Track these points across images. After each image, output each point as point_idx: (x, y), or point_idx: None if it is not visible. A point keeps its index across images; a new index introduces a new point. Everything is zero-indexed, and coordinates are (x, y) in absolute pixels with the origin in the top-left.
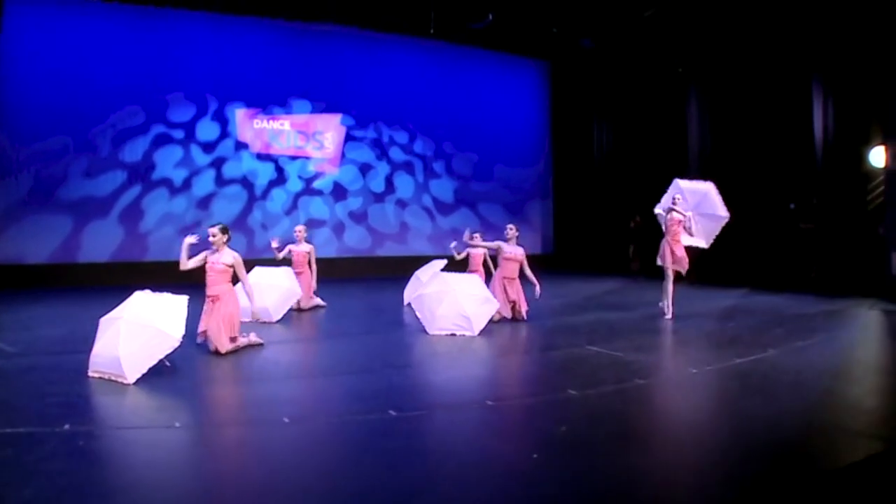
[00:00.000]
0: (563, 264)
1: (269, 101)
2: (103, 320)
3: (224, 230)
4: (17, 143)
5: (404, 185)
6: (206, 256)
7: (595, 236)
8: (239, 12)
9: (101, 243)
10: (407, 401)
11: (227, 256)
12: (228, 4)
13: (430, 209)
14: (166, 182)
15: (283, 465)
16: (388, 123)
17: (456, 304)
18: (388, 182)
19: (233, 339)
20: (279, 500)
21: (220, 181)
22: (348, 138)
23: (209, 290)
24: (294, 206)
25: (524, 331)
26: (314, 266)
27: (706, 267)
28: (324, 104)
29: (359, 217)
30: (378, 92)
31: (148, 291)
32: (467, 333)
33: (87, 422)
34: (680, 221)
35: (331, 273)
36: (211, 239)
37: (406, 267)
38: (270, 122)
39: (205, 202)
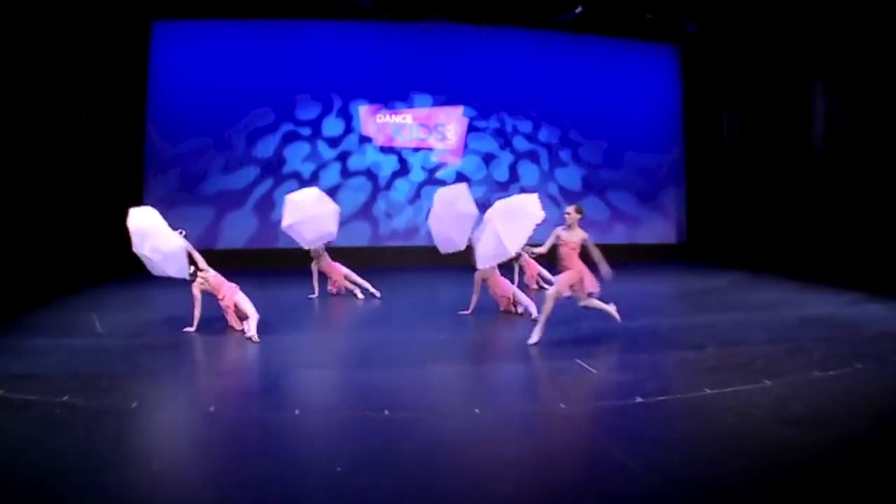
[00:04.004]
0: (695, 254)
1: (390, 96)
2: None
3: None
4: (166, 144)
5: (529, 174)
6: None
7: (727, 226)
8: (357, 18)
9: (237, 231)
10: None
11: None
12: (347, 12)
13: (556, 197)
14: (296, 175)
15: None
16: (511, 113)
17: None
18: (512, 171)
19: None
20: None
21: (346, 173)
22: (471, 129)
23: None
24: (417, 195)
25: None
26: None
27: (823, 264)
28: (444, 97)
29: (482, 206)
30: (499, 83)
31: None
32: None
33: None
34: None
35: (455, 259)
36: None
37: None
38: (393, 116)
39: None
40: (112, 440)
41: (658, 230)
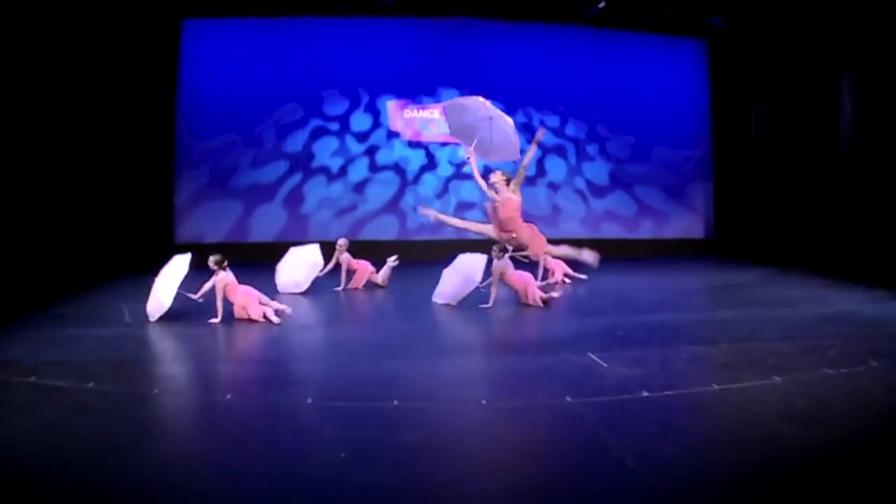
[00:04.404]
0: (723, 250)
1: (418, 91)
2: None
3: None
4: (196, 139)
5: (556, 168)
6: None
7: (755, 221)
8: (384, 14)
9: (267, 225)
10: None
11: None
12: (373, 9)
13: (584, 192)
14: (324, 170)
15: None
16: (538, 108)
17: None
18: (539, 165)
19: None
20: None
21: (374, 168)
22: None
23: None
24: (445, 189)
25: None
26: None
27: (851, 261)
28: (471, 92)
29: None
30: (526, 78)
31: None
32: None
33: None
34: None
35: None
36: None
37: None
38: (420, 111)
39: (360, 187)
40: (133, 425)
41: (685, 225)
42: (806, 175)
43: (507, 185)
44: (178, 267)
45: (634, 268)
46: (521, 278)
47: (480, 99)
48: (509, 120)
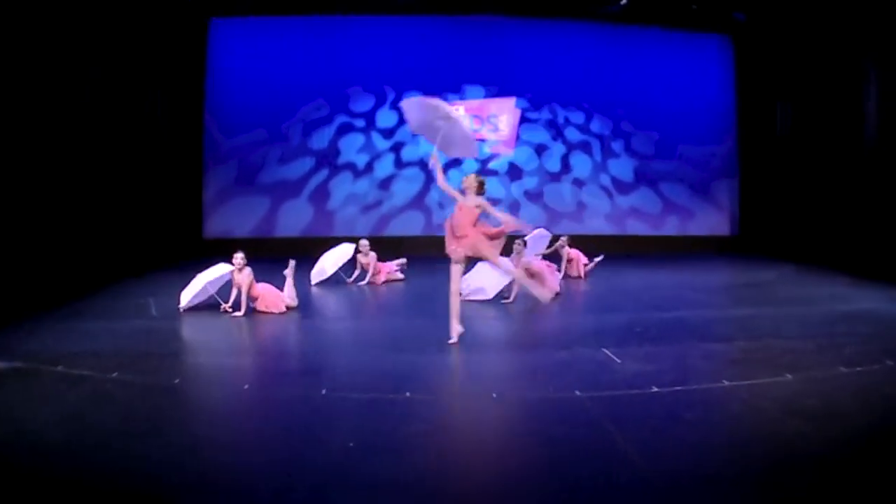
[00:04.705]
0: (749, 247)
1: (443, 88)
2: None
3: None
4: (224, 136)
5: (581, 165)
6: None
7: (781, 218)
8: (408, 12)
9: (293, 220)
10: None
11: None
12: (398, 7)
13: (609, 188)
14: (350, 166)
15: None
16: (563, 104)
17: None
18: (564, 162)
19: None
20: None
21: (399, 164)
22: (523, 120)
23: None
24: None
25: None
26: None
27: (877, 259)
28: (496, 88)
29: (534, 196)
30: (551, 74)
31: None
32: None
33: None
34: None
35: (506, 251)
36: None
37: (580, 244)
38: None
39: (385, 183)
40: (154, 413)
41: (711, 222)
42: (830, 172)
43: (478, 191)
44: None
45: (658, 264)
46: (542, 266)
47: (439, 101)
48: (467, 122)
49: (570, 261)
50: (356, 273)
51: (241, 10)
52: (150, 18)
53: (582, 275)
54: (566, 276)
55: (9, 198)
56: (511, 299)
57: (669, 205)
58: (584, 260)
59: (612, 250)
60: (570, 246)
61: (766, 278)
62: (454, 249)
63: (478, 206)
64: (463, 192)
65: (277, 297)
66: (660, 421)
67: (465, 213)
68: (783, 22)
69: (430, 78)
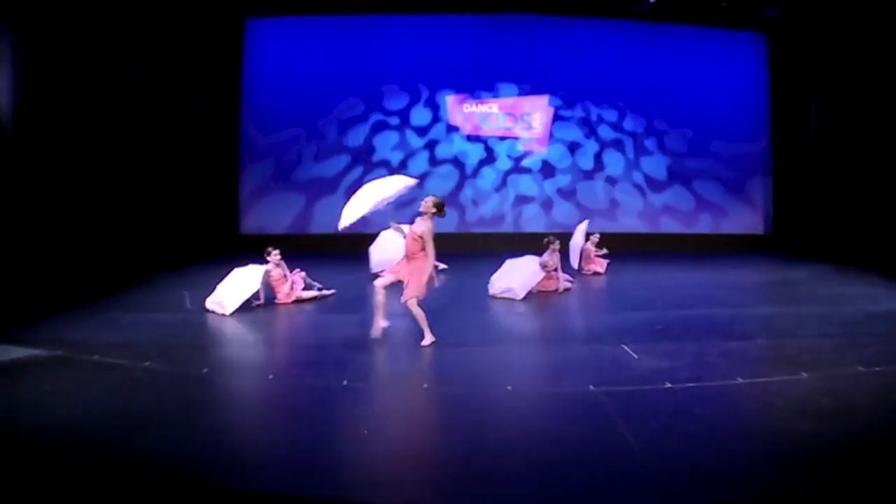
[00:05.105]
0: (783, 246)
1: (476, 86)
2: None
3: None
4: (261, 134)
5: (614, 163)
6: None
7: (816, 217)
8: (443, 11)
9: (328, 216)
10: None
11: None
12: (432, 5)
13: (642, 186)
14: (385, 163)
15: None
16: (596, 102)
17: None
18: (598, 159)
19: None
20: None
21: (433, 161)
22: (556, 118)
23: None
24: (503, 183)
25: None
26: None
27: None
28: (530, 86)
29: (567, 194)
30: (584, 72)
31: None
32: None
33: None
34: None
35: (537, 245)
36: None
37: (613, 242)
38: (479, 105)
39: (419, 181)
40: (181, 400)
41: (745, 220)
42: (866, 170)
43: (436, 214)
44: (251, 278)
45: (690, 263)
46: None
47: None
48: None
49: (590, 260)
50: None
51: (277, 11)
52: (188, 19)
53: (591, 273)
54: (583, 273)
55: (54, 194)
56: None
57: (703, 202)
58: (601, 268)
59: (644, 248)
60: (598, 247)
61: (796, 277)
62: (397, 270)
63: (420, 236)
64: (420, 214)
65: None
66: (668, 416)
67: (415, 238)
68: (818, 18)
69: (464, 76)
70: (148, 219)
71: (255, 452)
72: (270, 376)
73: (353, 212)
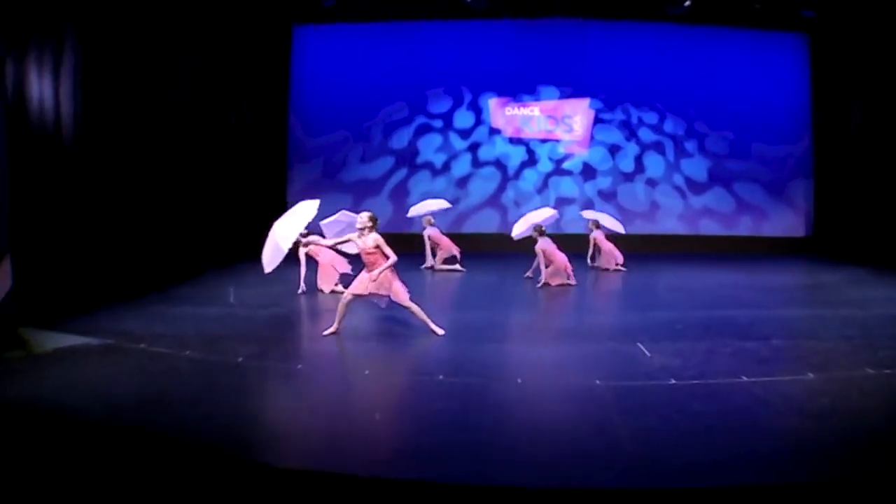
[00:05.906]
0: (824, 249)
1: (518, 90)
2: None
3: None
4: (309, 136)
5: (654, 165)
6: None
7: (857, 220)
8: (485, 17)
9: None
10: None
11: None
12: (474, 12)
13: (682, 188)
14: (428, 165)
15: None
16: (637, 105)
17: None
18: (638, 162)
19: None
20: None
21: (476, 163)
22: (597, 121)
23: None
24: (545, 185)
25: None
26: None
27: None
28: (571, 89)
29: (608, 196)
30: (625, 75)
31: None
32: None
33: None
34: None
35: (577, 246)
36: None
37: (652, 244)
38: (521, 109)
39: (462, 182)
40: (215, 385)
41: (785, 223)
42: None
43: (373, 228)
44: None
45: (727, 264)
46: (560, 256)
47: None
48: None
49: (600, 250)
50: (427, 255)
51: (322, 19)
52: (238, 28)
53: (611, 269)
54: (595, 268)
55: (112, 194)
56: (541, 283)
57: (743, 205)
58: (619, 258)
59: (685, 250)
60: (608, 239)
61: (830, 280)
62: (365, 287)
63: (376, 247)
64: (361, 232)
65: (332, 275)
66: (666, 411)
67: (368, 255)
68: (859, 19)
69: (506, 80)
70: (199, 218)
71: (273, 432)
72: (299, 366)
73: (274, 255)
